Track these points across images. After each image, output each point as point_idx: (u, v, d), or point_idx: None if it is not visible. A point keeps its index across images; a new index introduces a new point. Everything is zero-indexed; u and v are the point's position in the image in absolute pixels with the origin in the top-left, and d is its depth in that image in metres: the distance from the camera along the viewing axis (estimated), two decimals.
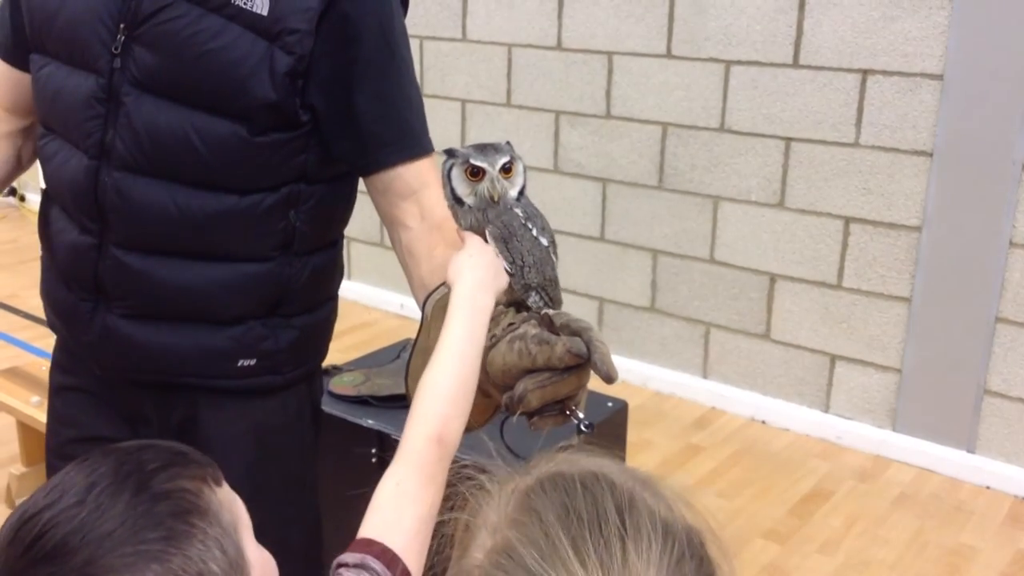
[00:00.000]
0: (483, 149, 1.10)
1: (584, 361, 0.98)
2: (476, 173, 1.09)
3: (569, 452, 0.76)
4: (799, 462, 3.22)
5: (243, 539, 0.80)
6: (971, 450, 3.12)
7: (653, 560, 0.62)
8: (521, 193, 1.12)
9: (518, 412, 1.02)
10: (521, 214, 1.10)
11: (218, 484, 0.81)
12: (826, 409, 3.39)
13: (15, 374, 2.91)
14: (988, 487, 3.06)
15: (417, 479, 0.90)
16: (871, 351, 3.26)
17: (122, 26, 1.23)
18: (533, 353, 1.00)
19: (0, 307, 4.33)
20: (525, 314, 1.09)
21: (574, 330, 1.00)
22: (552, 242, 1.13)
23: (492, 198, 1.09)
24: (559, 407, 1.02)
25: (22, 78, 1.40)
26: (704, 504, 0.71)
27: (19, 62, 1.40)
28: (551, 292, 1.13)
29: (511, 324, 1.06)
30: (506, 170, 1.10)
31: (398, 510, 0.89)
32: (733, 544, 2.63)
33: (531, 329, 1.03)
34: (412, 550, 0.88)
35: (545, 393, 1.00)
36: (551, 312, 1.06)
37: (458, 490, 0.78)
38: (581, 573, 0.61)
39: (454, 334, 0.99)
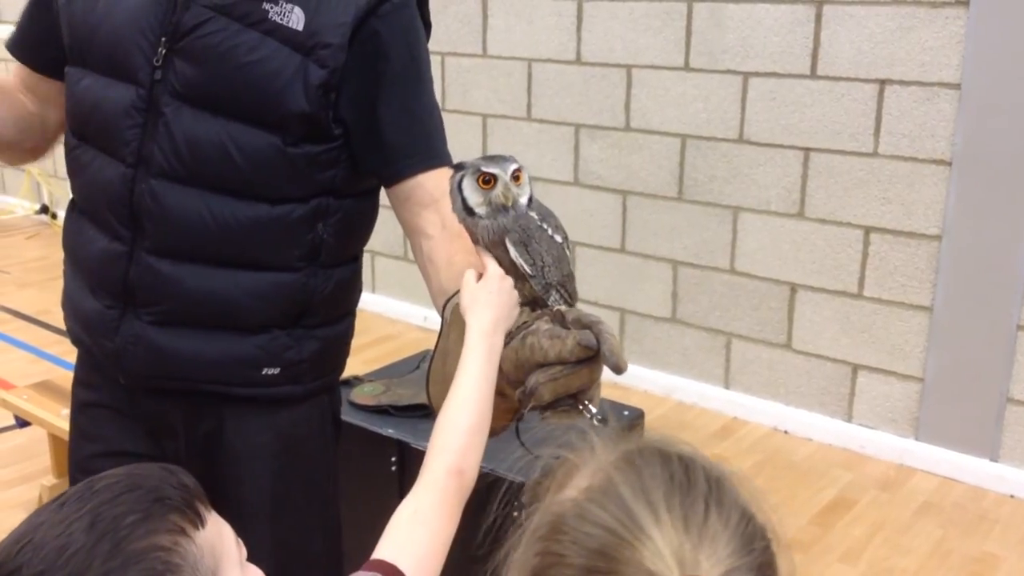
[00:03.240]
0: (491, 158, 1.12)
1: (595, 354, 1.00)
2: (488, 181, 1.11)
3: (666, 435, 0.82)
4: (821, 471, 3.22)
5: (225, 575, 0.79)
6: (994, 459, 3.11)
7: (730, 528, 0.68)
8: (530, 201, 1.13)
9: (530, 406, 1.03)
10: (536, 216, 1.12)
11: (199, 527, 0.78)
12: (848, 418, 3.39)
13: (46, 387, 2.97)
14: (1012, 496, 3.05)
15: (435, 508, 0.94)
16: (893, 360, 3.26)
17: (163, 39, 1.28)
18: (545, 347, 1.02)
19: (32, 322, 4.42)
20: (539, 311, 1.11)
21: (584, 324, 1.02)
22: (565, 238, 1.15)
23: (505, 203, 1.10)
24: (572, 401, 1.03)
25: (38, 80, 1.46)
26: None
27: (39, 65, 1.46)
28: (569, 287, 1.15)
29: (524, 323, 1.08)
30: (515, 177, 1.11)
31: (412, 535, 0.92)
32: None
33: (543, 325, 1.05)
34: (421, 574, 0.91)
35: (557, 386, 1.02)
36: (563, 308, 1.08)
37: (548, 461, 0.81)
38: (666, 517, 0.67)
39: (471, 374, 1.02)
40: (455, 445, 0.98)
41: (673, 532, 0.66)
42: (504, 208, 1.11)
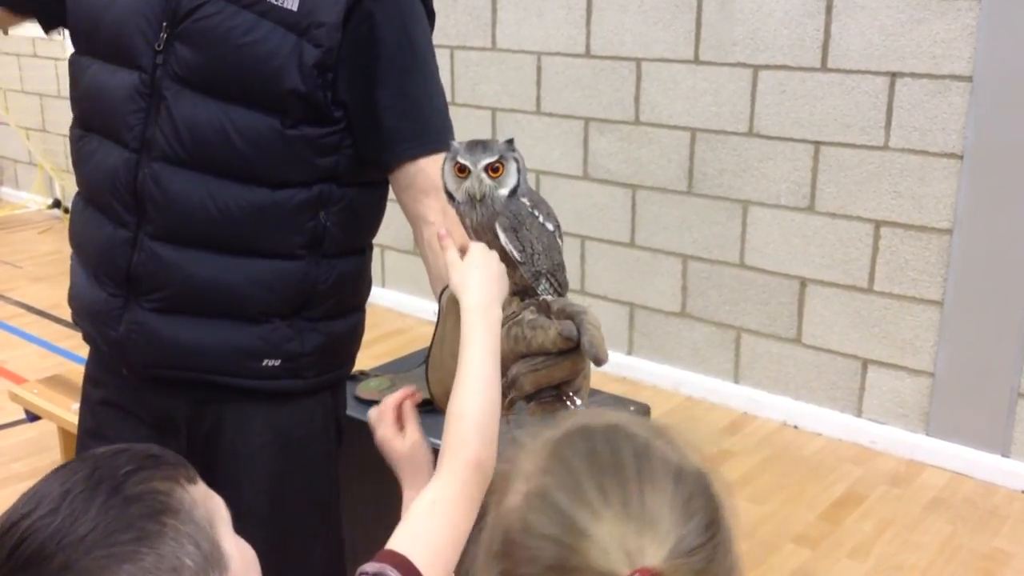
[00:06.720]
0: (473, 147, 1.10)
1: (576, 345, 0.99)
2: (463, 170, 1.10)
3: (592, 407, 0.84)
4: (831, 467, 3.21)
5: (219, 533, 0.82)
6: (1006, 454, 3.09)
7: (667, 500, 0.69)
8: (513, 193, 1.11)
9: (511, 397, 1.02)
10: (527, 202, 1.11)
11: (192, 482, 0.83)
12: (858, 413, 3.37)
13: (57, 382, 2.99)
14: (1023, 491, 3.03)
15: (454, 501, 0.92)
16: (903, 355, 3.24)
17: (164, 24, 1.29)
18: (528, 337, 1.01)
19: (43, 316, 4.43)
20: (527, 301, 1.10)
21: (568, 314, 1.01)
22: (557, 226, 1.14)
23: (474, 196, 1.09)
24: (555, 393, 1.02)
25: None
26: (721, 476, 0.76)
27: (14, 7, 1.48)
28: (559, 277, 1.14)
29: (513, 313, 1.07)
30: (493, 169, 1.09)
31: (428, 527, 0.91)
32: (763, 548, 2.63)
33: (528, 315, 1.05)
34: (436, 568, 0.89)
35: (539, 377, 1.01)
36: (549, 299, 1.07)
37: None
38: (606, 512, 0.68)
39: (477, 357, 0.98)
40: (471, 437, 0.95)
41: (615, 524, 0.68)
42: (474, 200, 1.09)
